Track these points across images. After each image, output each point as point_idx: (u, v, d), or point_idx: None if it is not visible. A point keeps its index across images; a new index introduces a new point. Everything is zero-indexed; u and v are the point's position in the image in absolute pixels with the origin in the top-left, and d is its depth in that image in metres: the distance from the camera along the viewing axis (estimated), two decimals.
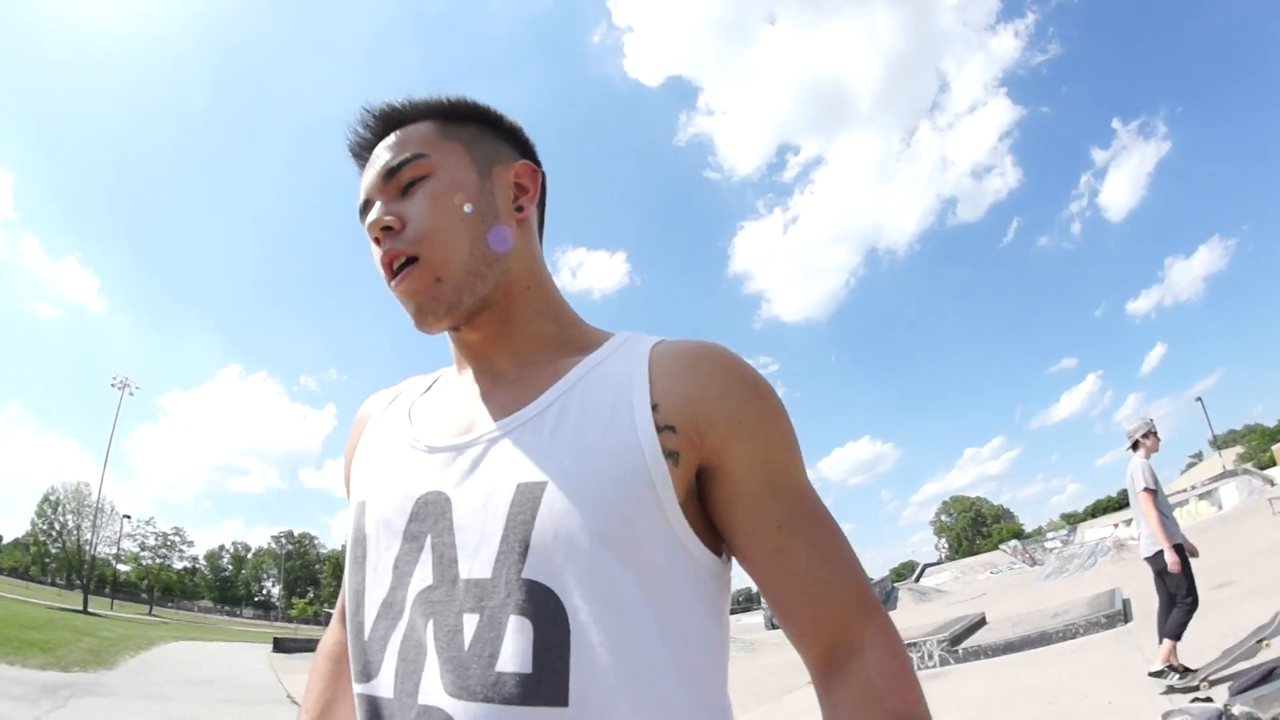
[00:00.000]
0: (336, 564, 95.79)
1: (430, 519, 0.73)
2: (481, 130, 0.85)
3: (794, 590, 0.72)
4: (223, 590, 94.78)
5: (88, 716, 9.09)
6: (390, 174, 0.80)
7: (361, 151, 0.86)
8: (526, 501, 0.68)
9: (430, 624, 0.69)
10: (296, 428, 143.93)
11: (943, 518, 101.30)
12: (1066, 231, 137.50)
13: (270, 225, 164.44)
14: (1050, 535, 43.78)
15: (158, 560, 65.87)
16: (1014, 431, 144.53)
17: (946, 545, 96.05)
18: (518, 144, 0.89)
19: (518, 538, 0.67)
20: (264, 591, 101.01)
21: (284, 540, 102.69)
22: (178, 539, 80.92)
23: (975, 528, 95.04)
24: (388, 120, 0.84)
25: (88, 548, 55.31)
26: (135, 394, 54.29)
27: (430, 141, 0.81)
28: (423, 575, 0.72)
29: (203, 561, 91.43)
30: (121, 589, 54.38)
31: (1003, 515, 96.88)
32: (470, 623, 0.66)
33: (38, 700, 9.52)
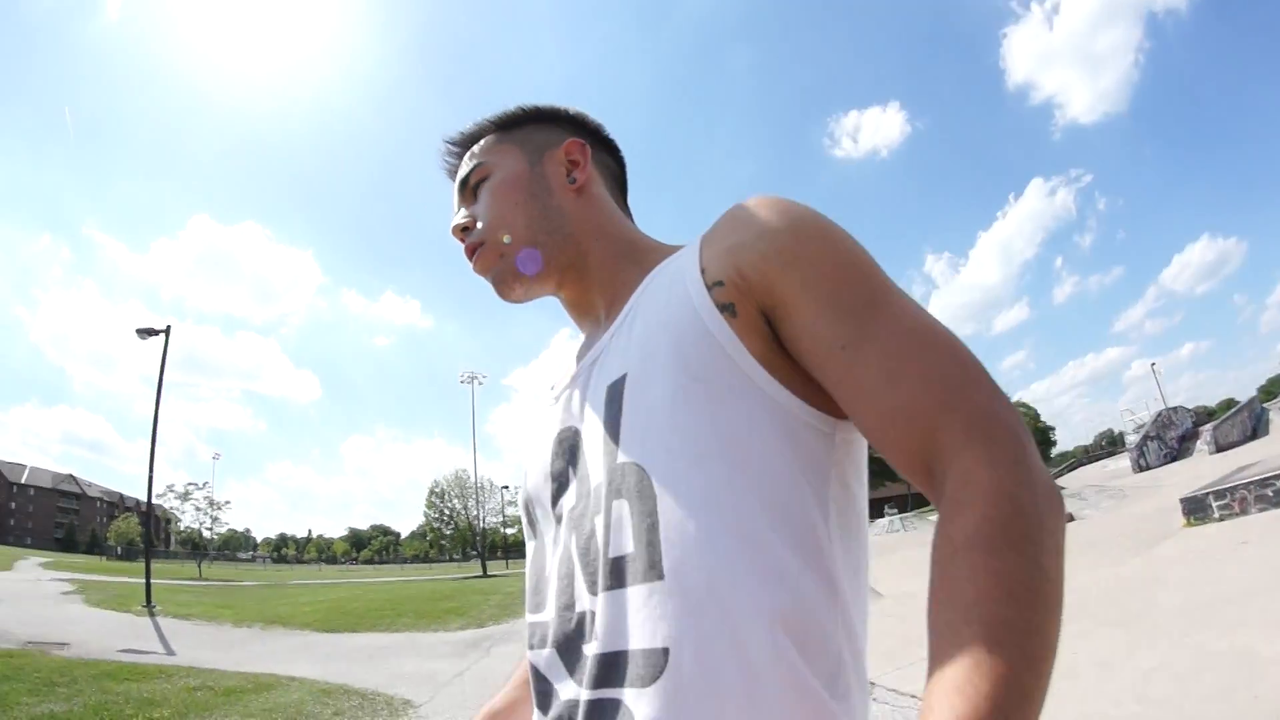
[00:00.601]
0: None
1: (566, 454, 0.81)
2: (535, 126, 0.94)
3: (872, 415, 0.63)
4: None
5: (509, 658, 10.40)
6: (463, 184, 0.94)
7: (453, 173, 0.98)
8: (613, 397, 0.74)
9: (573, 538, 0.75)
10: None
11: None
12: None
13: None
14: None
15: None
16: None
17: None
18: (575, 128, 0.96)
19: (611, 431, 0.73)
20: None
21: None
22: None
23: None
24: (463, 143, 0.97)
25: (476, 522, 63.58)
26: (484, 383, 61.46)
27: (488, 149, 0.93)
28: (568, 502, 0.78)
29: None
30: (511, 550, 62.30)
31: None
32: (598, 524, 0.71)
33: (465, 654, 11.20)
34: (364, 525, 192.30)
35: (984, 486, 0.53)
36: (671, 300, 0.74)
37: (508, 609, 17.90)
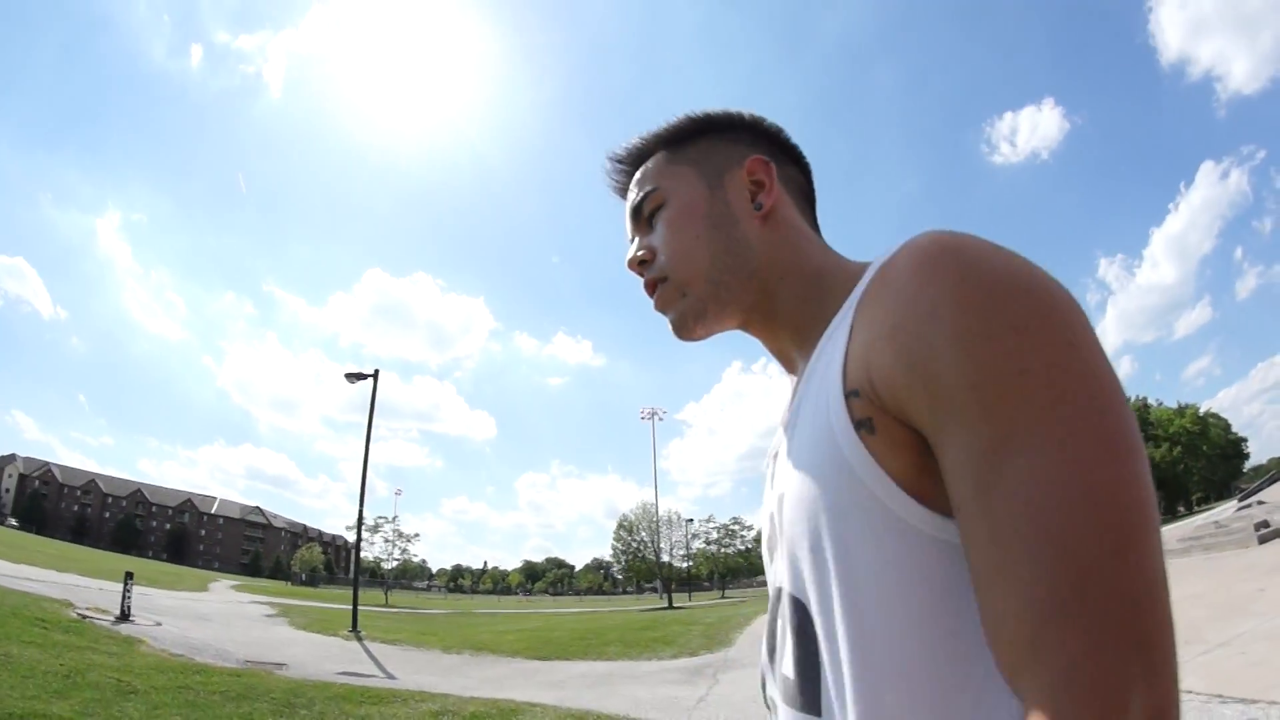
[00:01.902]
0: None
1: (768, 538, 0.79)
2: (711, 142, 0.85)
3: (977, 596, 0.51)
4: None
5: (740, 684, 10.63)
6: (636, 212, 0.86)
7: (621, 192, 0.91)
8: (776, 513, 0.72)
9: (769, 625, 0.75)
10: None
11: None
12: None
13: None
14: None
15: (723, 550, 75.09)
16: None
17: None
18: (755, 139, 0.85)
19: (770, 550, 0.76)
20: None
21: None
22: (737, 527, 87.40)
23: None
24: (630, 160, 0.89)
25: (663, 555, 65.51)
26: (664, 419, 62.06)
27: (661, 172, 0.85)
28: (770, 580, 0.77)
29: (752, 542, 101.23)
30: (689, 584, 62.62)
31: None
32: (776, 627, 0.71)
33: (693, 681, 11.38)
34: (537, 558, 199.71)
35: None
36: (819, 405, 0.64)
37: (714, 639, 17.96)
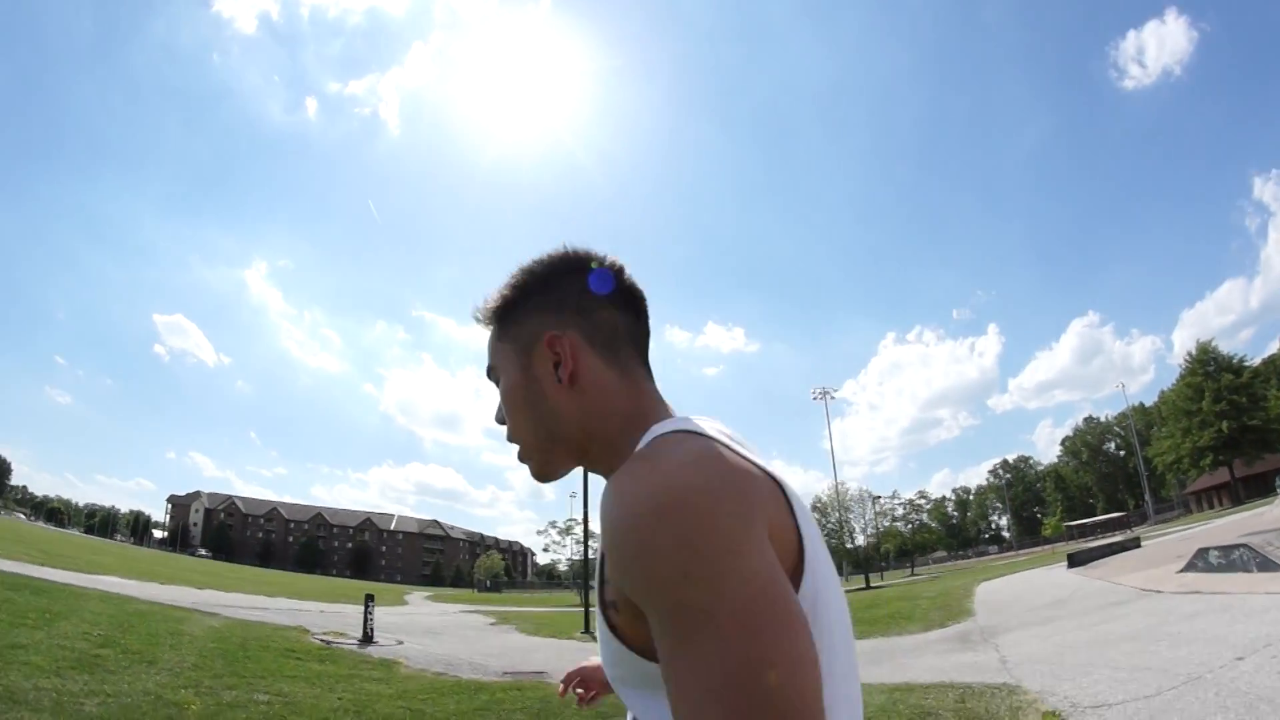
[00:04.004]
0: (1058, 476, 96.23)
1: None
2: (527, 312, 0.95)
3: None
4: (952, 537, 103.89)
5: (1023, 645, 10.93)
6: (489, 377, 1.02)
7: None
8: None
9: None
10: (964, 361, 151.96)
11: None
12: None
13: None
14: None
15: (909, 526, 72.88)
16: None
17: None
18: (567, 296, 0.94)
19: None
20: (991, 527, 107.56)
21: (999, 470, 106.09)
22: (922, 501, 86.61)
23: None
24: (484, 321, 1.00)
25: (857, 535, 65.32)
26: (835, 397, 60.44)
27: (494, 349, 0.99)
28: None
29: (927, 518, 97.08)
30: (859, 563, 61.08)
31: None
32: None
33: (970, 648, 11.54)
34: None
35: None
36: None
37: (949, 611, 17.96)
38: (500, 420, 0.98)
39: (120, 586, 18.29)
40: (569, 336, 0.91)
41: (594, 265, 0.94)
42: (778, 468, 0.79)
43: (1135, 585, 15.57)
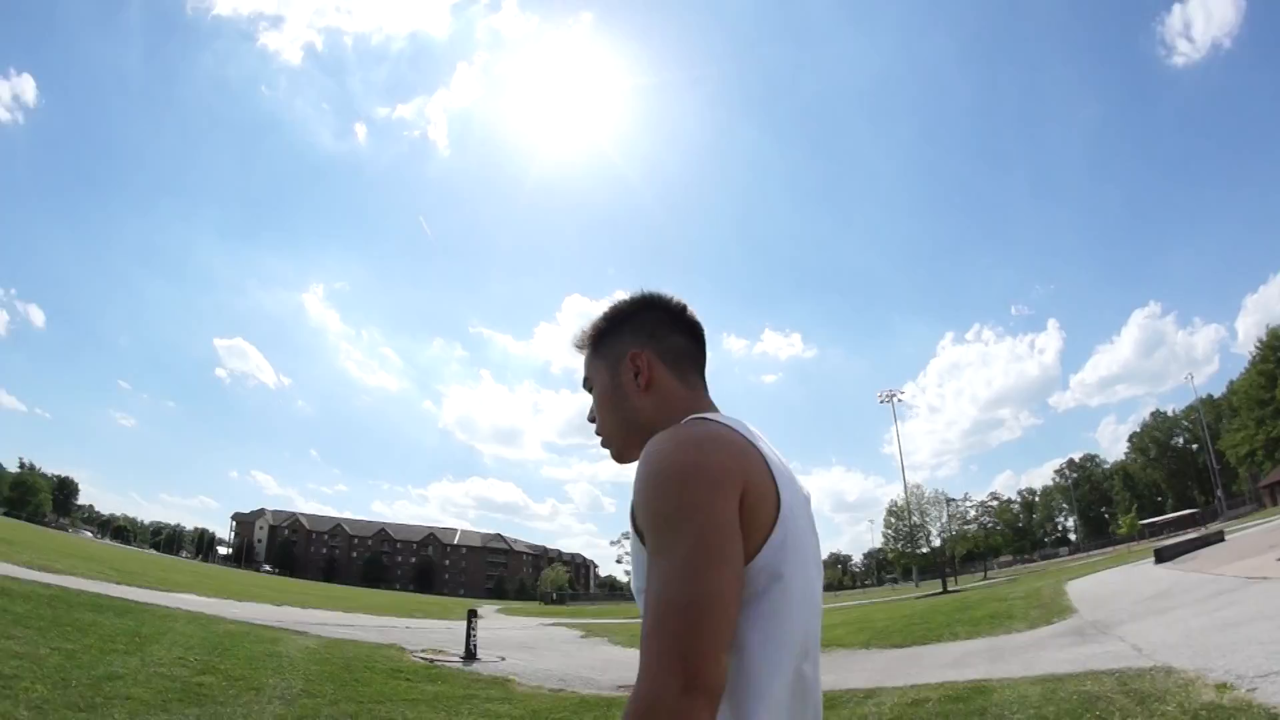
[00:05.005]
0: (1126, 474, 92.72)
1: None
2: (616, 336, 1.30)
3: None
4: (1019, 538, 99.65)
5: (1146, 636, 10.76)
6: (586, 388, 1.35)
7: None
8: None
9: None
10: (1024, 359, 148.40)
11: None
12: None
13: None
14: None
15: (982, 529, 70.90)
16: None
17: None
18: (642, 325, 1.29)
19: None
20: (1057, 528, 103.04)
21: (1065, 470, 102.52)
22: (995, 503, 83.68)
23: None
24: (579, 348, 1.36)
25: (933, 538, 64.27)
26: (902, 400, 59.06)
27: (590, 364, 1.33)
28: None
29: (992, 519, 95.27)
30: (928, 568, 59.22)
31: None
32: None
33: (1088, 642, 11.37)
34: None
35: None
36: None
37: (1049, 610, 17.51)
38: (591, 419, 1.33)
39: (201, 605, 17.98)
40: (646, 353, 1.25)
41: (665, 303, 1.31)
42: (767, 444, 1.10)
43: (1238, 574, 15.47)
